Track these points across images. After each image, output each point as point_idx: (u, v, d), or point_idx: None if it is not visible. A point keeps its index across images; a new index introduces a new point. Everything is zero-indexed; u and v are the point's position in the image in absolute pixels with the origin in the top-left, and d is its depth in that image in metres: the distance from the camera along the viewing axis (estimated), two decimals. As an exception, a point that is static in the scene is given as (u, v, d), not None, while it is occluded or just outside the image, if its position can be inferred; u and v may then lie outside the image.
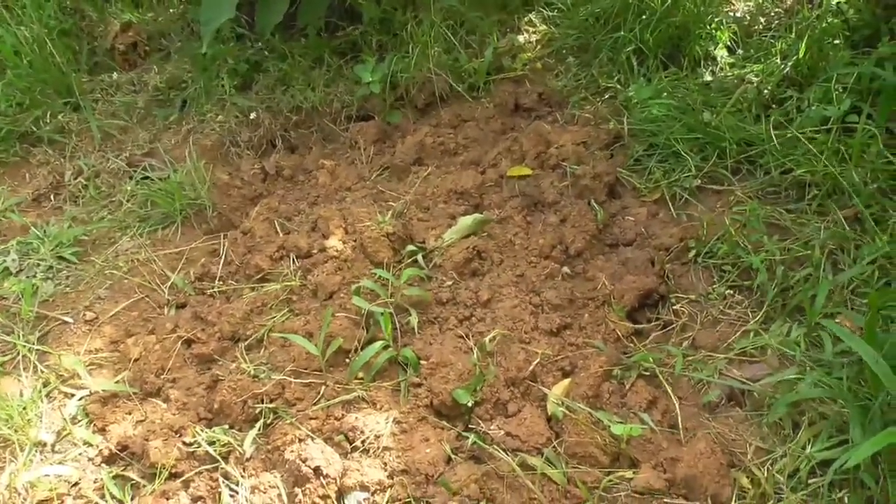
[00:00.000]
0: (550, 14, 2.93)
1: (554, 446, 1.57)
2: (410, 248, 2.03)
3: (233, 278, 2.18)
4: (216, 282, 2.19)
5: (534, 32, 2.92)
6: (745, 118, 2.28)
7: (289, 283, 2.02)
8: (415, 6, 2.89)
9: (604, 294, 1.93)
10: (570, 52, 2.77)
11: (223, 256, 2.25)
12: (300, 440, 1.55)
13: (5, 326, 2.15)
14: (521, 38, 2.88)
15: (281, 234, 2.23)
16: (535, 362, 1.70)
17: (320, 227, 2.16)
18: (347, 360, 1.76)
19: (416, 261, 2.01)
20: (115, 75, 3.18)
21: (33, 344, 2.08)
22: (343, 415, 1.62)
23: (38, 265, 2.38)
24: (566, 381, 1.70)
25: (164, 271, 2.26)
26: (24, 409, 1.87)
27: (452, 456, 1.55)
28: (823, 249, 1.89)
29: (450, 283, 1.95)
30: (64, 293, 2.27)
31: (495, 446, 1.55)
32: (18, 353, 2.05)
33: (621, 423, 1.57)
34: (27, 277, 2.33)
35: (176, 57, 3.16)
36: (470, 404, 1.62)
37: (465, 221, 2.06)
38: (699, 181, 2.19)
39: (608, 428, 1.56)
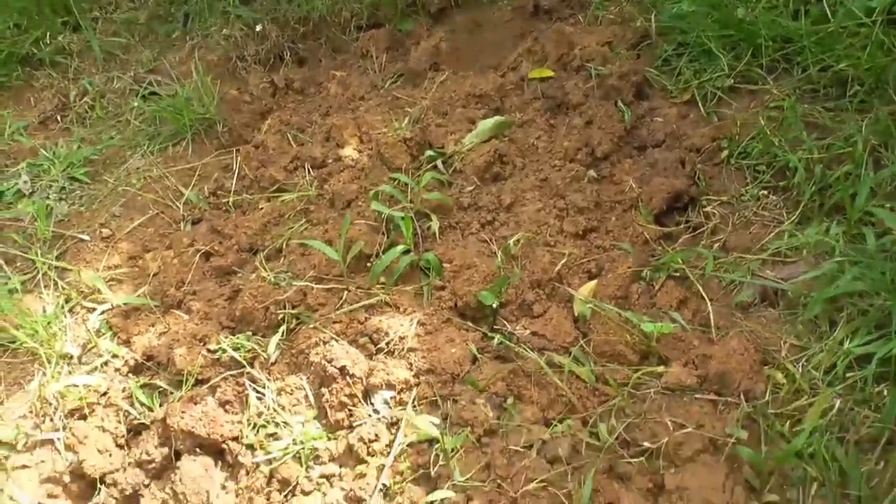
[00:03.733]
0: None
1: (581, 345, 1.53)
2: (429, 153, 1.96)
3: (247, 192, 2.14)
4: (230, 195, 2.14)
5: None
6: (782, 13, 2.14)
7: (305, 193, 1.97)
8: None
9: (631, 197, 1.86)
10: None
11: (236, 171, 2.19)
12: (324, 342, 1.52)
13: (23, 246, 2.13)
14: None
15: (294, 146, 2.17)
16: (562, 263, 1.65)
17: (334, 137, 2.10)
18: (368, 266, 1.72)
19: (435, 166, 1.94)
20: (113, -9, 3.06)
21: (52, 262, 2.06)
22: (367, 318, 1.59)
23: (51, 186, 2.34)
24: (593, 283, 1.65)
25: (178, 187, 2.21)
26: (49, 323, 1.86)
27: (478, 356, 1.52)
28: (865, 145, 1.79)
29: (471, 187, 1.89)
30: (78, 212, 2.24)
31: (522, 345, 1.52)
32: (38, 272, 2.03)
33: (651, 322, 1.53)
34: (40, 199, 2.30)
35: (176, -31, 3.03)
36: (495, 306, 1.58)
37: (486, 125, 1.98)
38: (732, 81, 2.08)
39: (637, 326, 1.52)
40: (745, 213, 1.85)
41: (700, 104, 2.06)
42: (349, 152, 2.01)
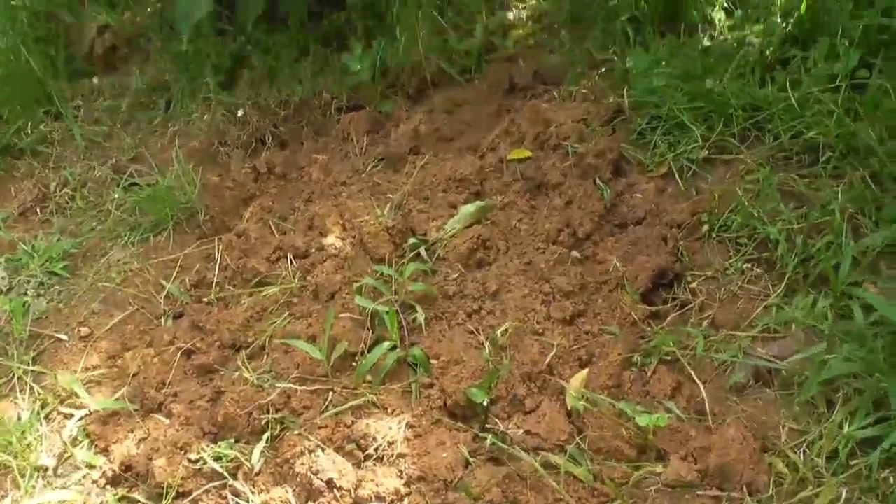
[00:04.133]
0: (540, -13, 2.82)
1: (577, 442, 1.49)
2: (412, 241, 1.94)
3: (230, 283, 2.10)
4: (213, 288, 2.11)
5: (524, 8, 2.82)
6: (749, 82, 2.18)
7: (288, 286, 1.94)
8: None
9: (616, 276, 1.85)
10: (562, 27, 2.67)
11: (218, 261, 2.17)
12: (310, 451, 1.47)
13: (-2, 348, 2.08)
14: (510, 15, 2.79)
15: (277, 235, 2.15)
16: (552, 354, 1.62)
17: (317, 225, 2.08)
18: (354, 364, 1.68)
19: (418, 254, 1.93)
20: (94, 80, 3.09)
21: (28, 364, 2.01)
22: (353, 421, 1.55)
23: (29, 282, 2.31)
24: (584, 372, 1.62)
25: (159, 280, 2.18)
26: (23, 433, 1.81)
27: (471, 459, 1.47)
28: (843, 214, 1.79)
29: (455, 275, 1.87)
30: (57, 309, 2.20)
31: (515, 446, 1.48)
32: (14, 375, 1.98)
33: (646, 413, 1.49)
34: (17, 295, 2.26)
35: (157, 57, 3.05)
36: (485, 403, 1.55)
37: (468, 209, 1.98)
38: (706, 152, 2.09)
39: (633, 419, 1.48)
40: (730, 287, 1.83)
41: (677, 177, 2.06)
42: (332, 241, 2.00)
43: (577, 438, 1.49)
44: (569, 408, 1.55)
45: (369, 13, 2.76)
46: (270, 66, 2.76)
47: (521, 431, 1.49)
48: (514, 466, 1.44)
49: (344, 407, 1.59)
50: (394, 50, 2.59)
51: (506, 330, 1.67)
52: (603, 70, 2.44)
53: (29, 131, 2.86)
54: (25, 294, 2.26)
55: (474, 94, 2.51)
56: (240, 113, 2.69)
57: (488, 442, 1.49)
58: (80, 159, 2.76)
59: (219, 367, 1.87)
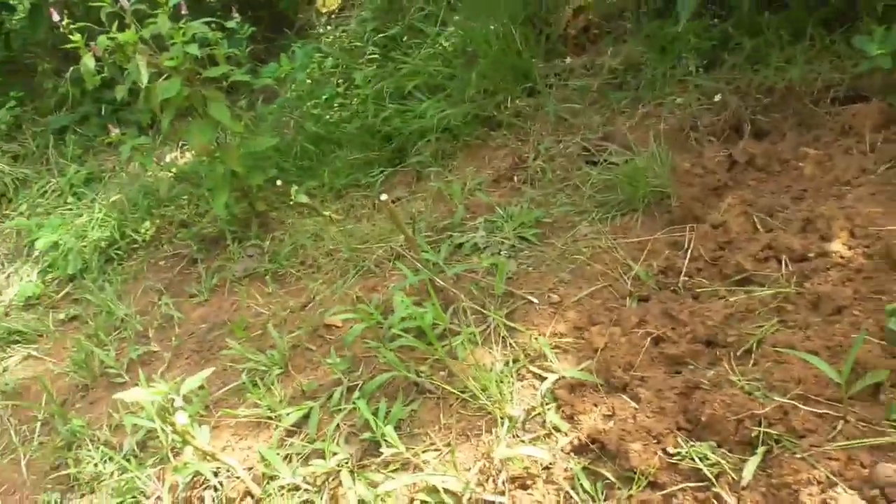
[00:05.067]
0: None
1: None
2: (956, 262, 1.60)
3: (701, 275, 2.00)
4: (681, 277, 2.03)
5: None
6: None
7: (781, 290, 1.76)
8: (936, -40, 2.34)
9: None
10: None
11: (689, 250, 2.08)
12: (820, 483, 1.30)
13: (477, 299, 2.28)
14: None
15: (763, 231, 1.97)
16: None
17: (818, 227, 1.85)
18: (880, 397, 1.44)
19: (962, 279, 1.59)
20: (567, 60, 3.23)
21: (503, 319, 2.17)
22: (874, 462, 1.32)
23: (503, 243, 2.49)
24: None
25: (626, 260, 2.18)
26: (500, 382, 1.95)
27: None
28: None
29: None
30: (526, 272, 2.34)
31: None
32: (491, 327, 2.15)
33: None
34: (493, 254, 2.46)
35: (631, 38, 3.07)
36: None
37: None
38: None
39: None
40: None
41: None
42: (838, 247, 1.76)
43: None
44: None
45: (892, -8, 2.37)
46: (758, 48, 2.55)
47: None
48: None
49: (861, 442, 1.37)
50: (923, 33, 2.18)
51: None
52: None
53: (507, 105, 3.11)
54: (499, 253, 2.45)
55: None
56: (717, 98, 2.55)
57: None
58: (550, 133, 2.91)
59: (689, 360, 1.78)
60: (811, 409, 1.47)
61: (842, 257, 1.73)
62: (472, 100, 3.16)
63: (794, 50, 2.49)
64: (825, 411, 1.46)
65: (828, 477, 1.32)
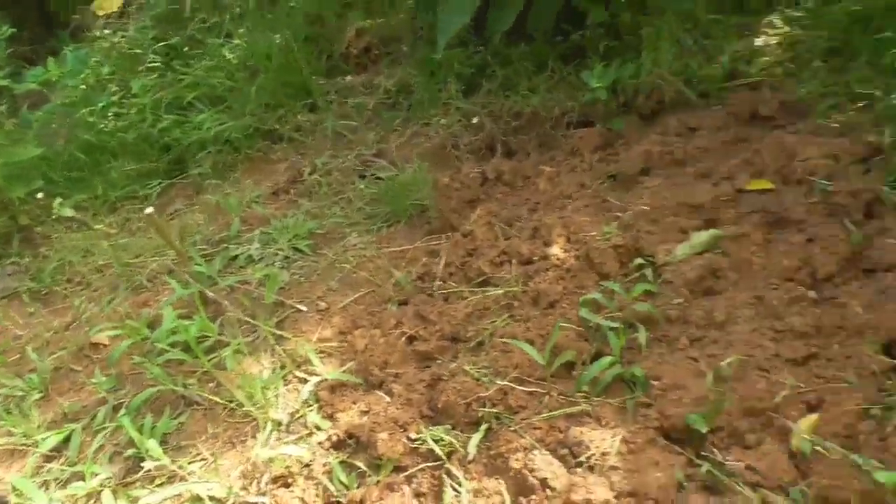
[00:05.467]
0: (795, 14, 2.69)
1: (801, 487, 1.42)
2: (639, 261, 1.95)
3: (452, 279, 2.23)
4: (436, 281, 2.24)
5: (774, 34, 2.70)
6: None
7: (511, 289, 2.02)
8: (644, 9, 2.79)
9: (857, 324, 1.72)
10: (817, 56, 2.53)
11: (443, 258, 2.30)
12: (525, 449, 1.53)
13: (248, 310, 2.35)
14: (759, 42, 2.68)
15: (502, 239, 2.24)
16: (782, 394, 1.55)
17: (542, 234, 2.15)
18: (573, 373, 1.72)
19: (643, 275, 1.93)
20: (348, 78, 3.39)
21: (272, 328, 2.26)
22: (567, 427, 1.59)
23: (277, 254, 2.59)
24: (814, 417, 1.53)
25: (389, 268, 2.36)
26: (265, 388, 2.04)
27: (684, 483, 1.45)
28: None
29: (680, 300, 1.85)
30: (298, 282, 2.45)
31: (733, 478, 1.44)
32: (260, 336, 2.24)
33: (884, 469, 1.39)
34: (267, 265, 2.55)
35: (405, 61, 3.30)
36: (704, 431, 1.52)
37: (700, 237, 1.94)
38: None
39: (868, 474, 1.38)
40: None
41: (944, 228, 1.89)
42: (556, 251, 2.05)
43: (802, 483, 1.42)
44: (794, 450, 1.47)
45: (611, 32, 2.79)
46: (509, 77, 2.87)
47: (741, 465, 1.44)
48: (729, 498, 1.40)
49: (559, 412, 1.63)
50: (632, 70, 2.60)
51: (731, 361, 1.62)
52: (861, 104, 2.29)
53: (288, 119, 3.21)
54: (273, 265, 2.54)
55: (712, 120, 2.45)
56: (475, 120, 2.83)
57: (704, 469, 1.46)
58: (328, 148, 3.05)
59: (437, 355, 1.98)
60: (524, 388, 1.72)
61: (558, 259, 2.03)
62: (253, 113, 3.22)
63: (538, 80, 2.84)
64: (535, 389, 1.71)
65: (532, 444, 1.56)
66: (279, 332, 2.22)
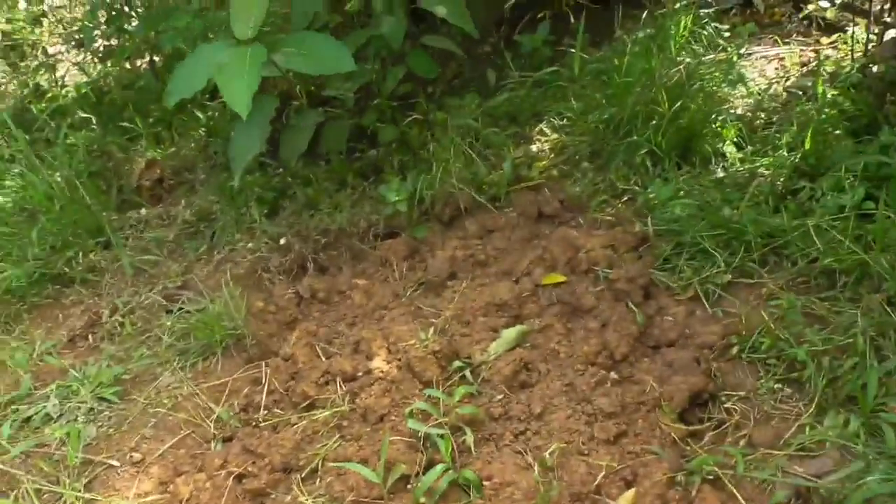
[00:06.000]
0: (560, 123, 3.05)
1: (630, 563, 1.53)
2: (457, 363, 2.04)
3: (278, 406, 2.18)
4: (261, 411, 2.18)
5: (546, 141, 3.04)
6: (764, 210, 2.34)
7: (338, 409, 2.02)
8: (430, 125, 3.02)
9: (654, 397, 1.93)
10: (584, 158, 2.87)
11: (266, 385, 2.25)
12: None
13: (50, 476, 2.12)
14: (534, 147, 3.00)
15: (323, 359, 2.25)
16: (600, 476, 1.68)
17: (363, 349, 2.18)
18: (409, 486, 1.74)
19: (463, 377, 2.02)
20: (142, 211, 3.28)
21: (80, 492, 2.05)
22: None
23: (79, 408, 2.38)
24: (631, 493, 1.68)
25: (208, 404, 2.26)
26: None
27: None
28: (865, 337, 1.91)
29: (500, 396, 1.96)
30: (108, 435, 2.26)
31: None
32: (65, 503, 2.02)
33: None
34: (68, 422, 2.33)
35: (202, 189, 3.26)
36: (539, 524, 1.60)
37: (510, 334, 2.09)
38: (730, 276, 2.22)
39: (684, 538, 1.53)
40: (763, 407, 1.92)
41: (704, 300, 2.19)
42: (378, 364, 2.10)
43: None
44: (621, 528, 1.60)
45: (403, 148, 2.98)
46: (311, 197, 2.94)
47: (577, 553, 1.53)
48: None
49: (400, 531, 1.64)
50: (427, 181, 2.78)
51: (553, 451, 1.74)
52: (625, 199, 2.62)
53: (80, 260, 3.01)
54: (76, 420, 2.33)
55: (505, 221, 2.67)
56: (282, 241, 2.85)
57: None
58: (128, 286, 2.89)
59: (270, 490, 1.92)
60: (364, 511, 1.71)
61: (381, 372, 2.07)
62: (37, 258, 2.99)
63: (340, 196, 2.93)
64: (374, 510, 1.71)
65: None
66: (89, 496, 2.03)
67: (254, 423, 2.17)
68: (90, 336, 2.71)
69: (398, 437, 1.84)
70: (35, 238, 2.96)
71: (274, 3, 2.84)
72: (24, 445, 2.20)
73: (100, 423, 2.31)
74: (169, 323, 2.61)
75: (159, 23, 3.26)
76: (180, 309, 2.65)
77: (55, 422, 2.34)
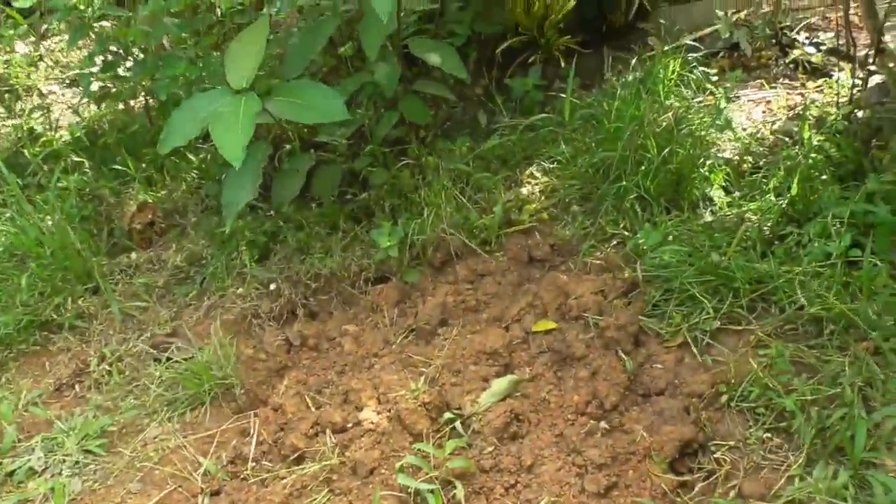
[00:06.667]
0: (550, 166, 3.08)
1: None
2: (448, 415, 2.03)
3: (266, 459, 2.16)
4: (250, 464, 2.16)
5: (536, 184, 3.06)
6: (751, 256, 2.35)
7: (328, 462, 2.00)
8: (421, 169, 3.04)
9: (644, 447, 1.92)
10: (574, 202, 2.89)
11: (255, 436, 2.23)
12: None
13: (33, 534, 2.09)
14: (524, 191, 3.02)
15: (313, 409, 2.23)
16: (592, 531, 1.66)
17: (352, 399, 2.17)
18: (400, 545, 1.72)
19: (454, 428, 2.00)
20: (133, 255, 3.27)
21: (64, 551, 2.02)
22: None
23: (64, 461, 2.34)
24: (623, 548, 1.66)
25: (196, 457, 2.23)
26: None
27: None
28: (853, 387, 1.91)
29: (491, 448, 1.94)
30: (93, 490, 2.22)
31: None
32: (49, 561, 1.98)
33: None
34: (52, 476, 2.29)
35: (193, 233, 3.26)
36: (530, 583, 1.57)
37: (500, 384, 2.08)
38: (718, 322, 2.22)
39: None
40: (753, 457, 1.91)
41: (693, 347, 2.19)
42: (368, 415, 2.08)
43: None
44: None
45: (394, 192, 2.99)
46: (302, 241, 2.94)
47: None
48: None
49: (390, 591, 1.61)
50: (418, 226, 2.78)
51: (544, 506, 1.72)
52: (614, 243, 2.63)
53: (68, 306, 2.99)
54: (61, 474, 2.29)
55: (496, 266, 2.67)
56: (272, 286, 2.84)
57: None
58: (116, 333, 2.87)
59: (258, 547, 1.89)
60: (353, 571, 1.68)
61: (371, 423, 2.06)
62: (26, 304, 2.97)
63: (331, 241, 2.94)
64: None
65: None
66: (73, 555, 1.99)
67: (242, 477, 2.14)
68: (77, 385, 2.69)
69: (388, 492, 1.82)
70: (24, 284, 2.95)
71: (269, 45, 2.88)
72: (8, 501, 2.15)
73: (85, 478, 2.28)
74: (157, 372, 2.59)
75: (155, 69, 3.29)
76: (168, 359, 2.63)
77: (40, 476, 2.30)
